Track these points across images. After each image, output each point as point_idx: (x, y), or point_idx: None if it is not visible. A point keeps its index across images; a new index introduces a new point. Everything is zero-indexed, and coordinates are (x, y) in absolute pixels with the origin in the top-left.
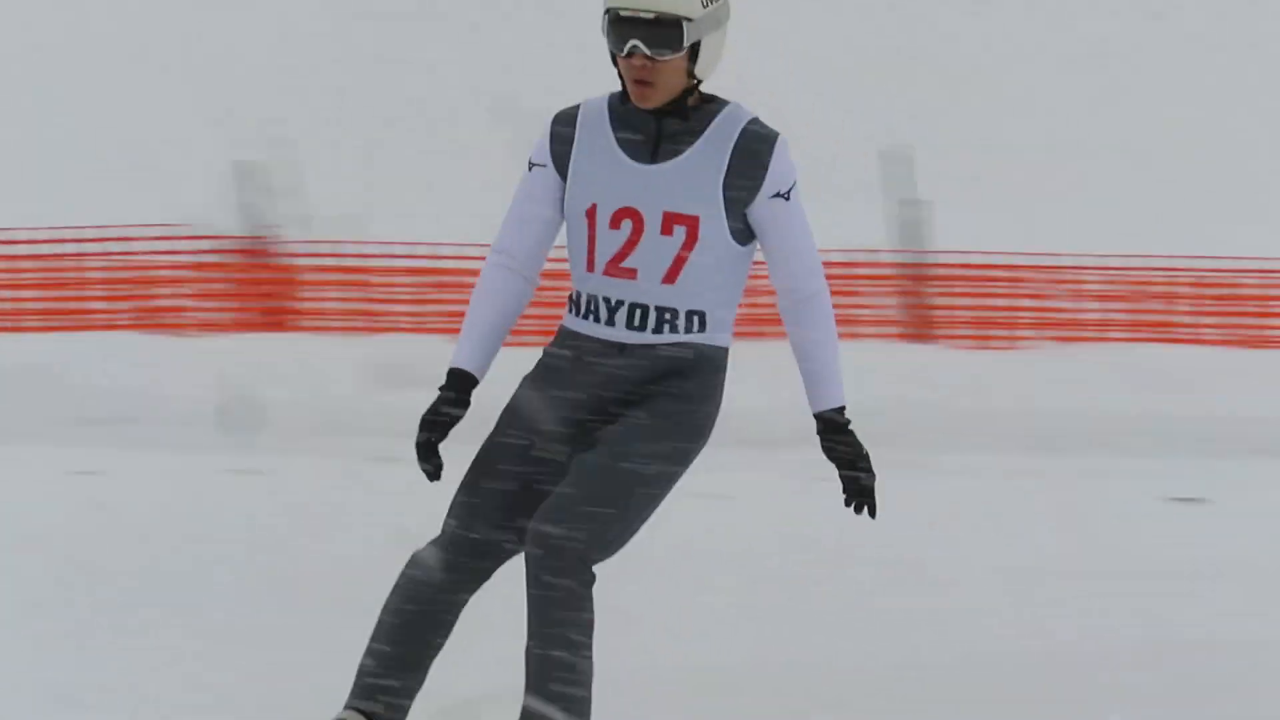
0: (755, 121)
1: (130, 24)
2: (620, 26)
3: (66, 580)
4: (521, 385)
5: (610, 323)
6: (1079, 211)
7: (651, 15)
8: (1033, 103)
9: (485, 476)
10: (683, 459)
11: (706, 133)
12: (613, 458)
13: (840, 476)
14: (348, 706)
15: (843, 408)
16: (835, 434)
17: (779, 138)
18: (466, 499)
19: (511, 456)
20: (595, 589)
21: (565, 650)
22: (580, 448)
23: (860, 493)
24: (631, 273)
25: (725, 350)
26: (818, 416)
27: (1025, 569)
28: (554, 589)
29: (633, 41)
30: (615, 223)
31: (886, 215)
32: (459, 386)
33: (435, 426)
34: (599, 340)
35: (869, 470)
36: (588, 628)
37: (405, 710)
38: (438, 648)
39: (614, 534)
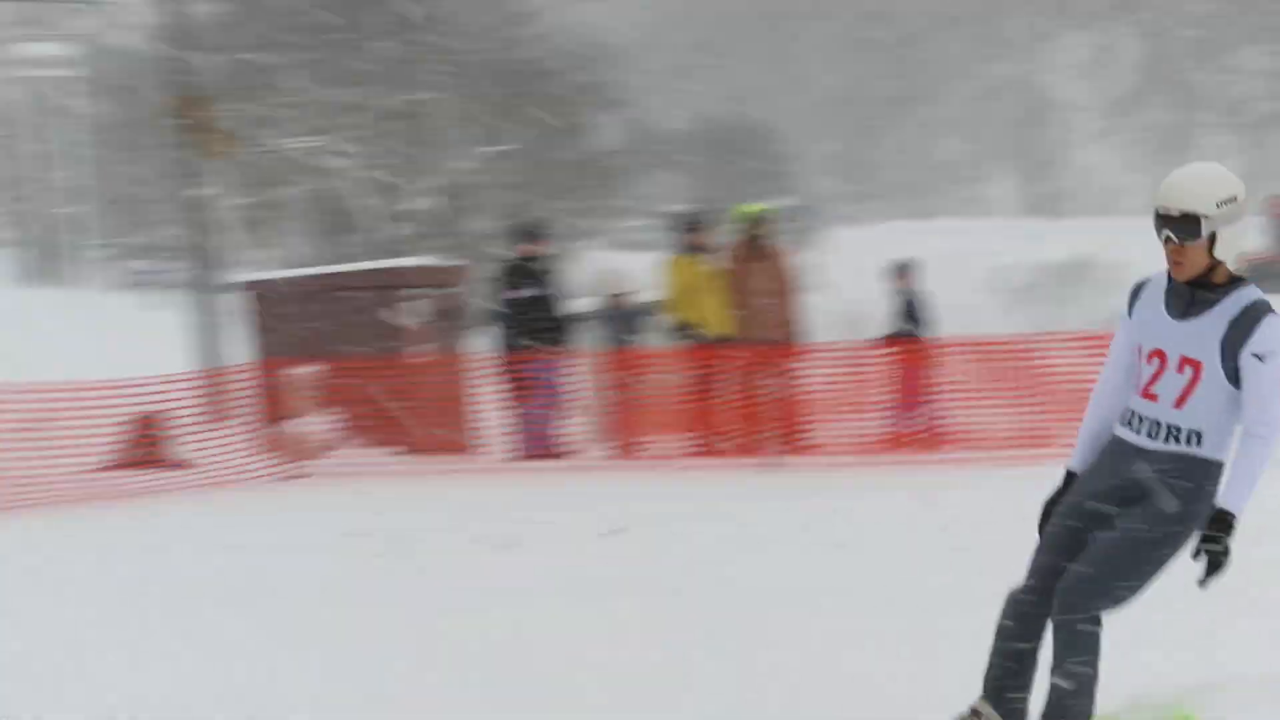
0: (1259, 299)
1: None
2: (1159, 220)
3: None
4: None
5: (1137, 431)
6: None
7: (1178, 213)
8: None
9: (1045, 535)
10: (1175, 540)
11: (1223, 303)
12: (1118, 540)
13: (1204, 550)
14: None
15: (1228, 512)
16: (1216, 523)
17: (1270, 314)
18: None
19: (1063, 512)
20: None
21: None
22: (1100, 520)
23: (1210, 568)
24: (1155, 397)
25: (1215, 463)
26: (1216, 512)
27: None
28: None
29: (1166, 231)
30: (1149, 359)
31: None
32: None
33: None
34: (1128, 443)
35: (1223, 553)
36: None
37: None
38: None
39: (1116, 601)
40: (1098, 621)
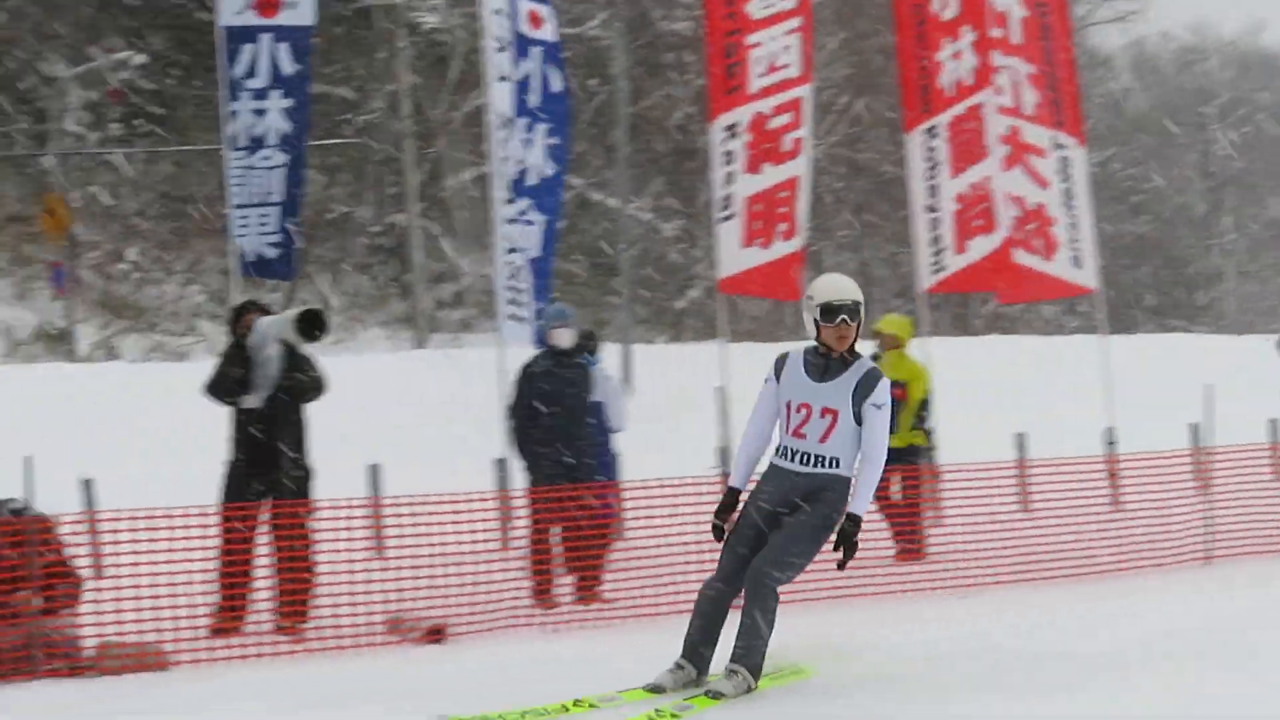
0: (874, 367)
1: None
2: (834, 308)
3: None
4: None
5: (792, 461)
6: None
7: (851, 302)
8: None
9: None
10: (827, 530)
11: (850, 369)
12: (790, 530)
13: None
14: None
15: (856, 516)
16: (851, 523)
17: (883, 378)
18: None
19: (745, 526)
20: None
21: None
22: (774, 521)
23: (846, 553)
24: (804, 436)
25: (846, 478)
26: (848, 515)
27: None
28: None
29: (842, 316)
30: (798, 410)
31: None
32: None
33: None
34: (787, 470)
35: (854, 544)
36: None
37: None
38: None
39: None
40: (778, 584)
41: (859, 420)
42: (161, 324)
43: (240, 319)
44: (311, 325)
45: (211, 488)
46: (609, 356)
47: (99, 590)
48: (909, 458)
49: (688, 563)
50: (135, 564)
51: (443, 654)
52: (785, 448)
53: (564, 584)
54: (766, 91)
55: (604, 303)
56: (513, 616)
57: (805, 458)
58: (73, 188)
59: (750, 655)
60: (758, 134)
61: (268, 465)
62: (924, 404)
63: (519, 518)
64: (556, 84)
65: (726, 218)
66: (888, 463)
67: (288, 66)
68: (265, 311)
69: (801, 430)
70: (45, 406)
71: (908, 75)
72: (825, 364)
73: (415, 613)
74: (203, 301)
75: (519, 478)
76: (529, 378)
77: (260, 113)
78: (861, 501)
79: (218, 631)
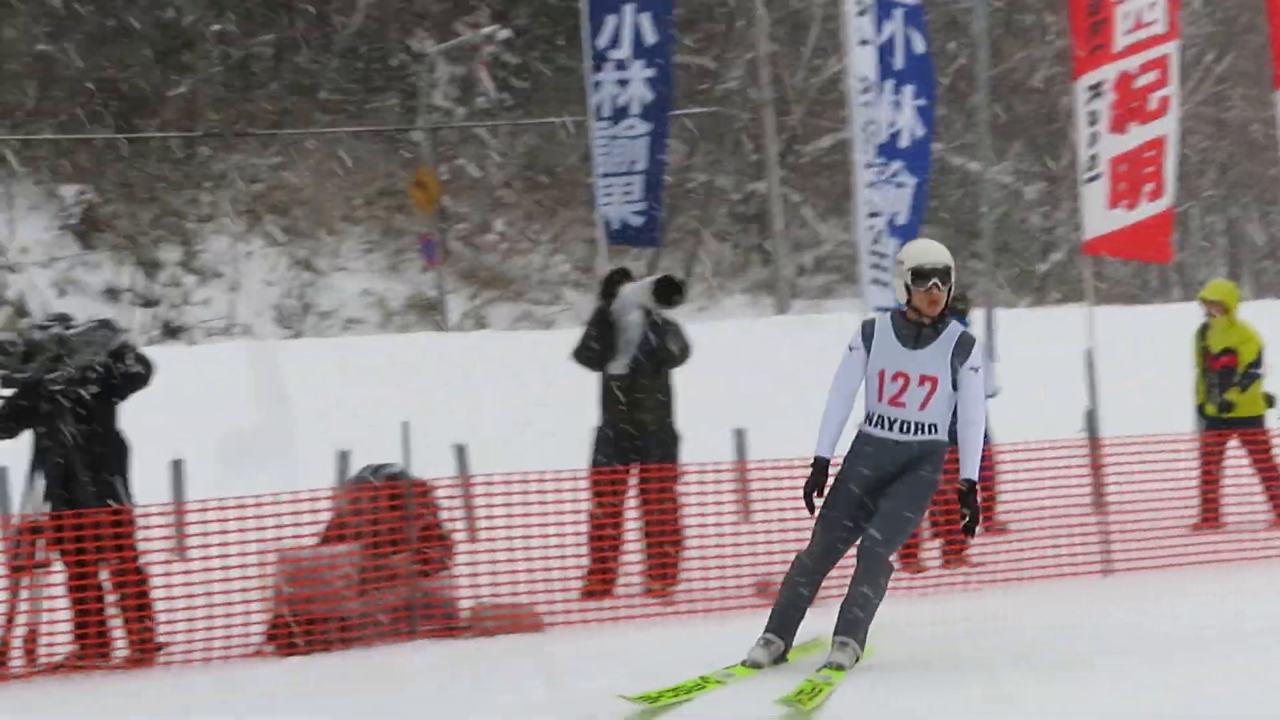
0: (966, 330)
1: None
2: (926, 273)
3: None
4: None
5: (889, 430)
6: None
7: (942, 266)
8: None
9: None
10: (930, 493)
11: (943, 335)
12: (895, 499)
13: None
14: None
15: (971, 480)
16: (968, 489)
17: (975, 340)
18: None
19: (844, 498)
20: None
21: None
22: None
23: (971, 518)
24: (903, 405)
25: (945, 443)
26: (964, 480)
27: None
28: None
29: (934, 280)
30: (894, 379)
31: None
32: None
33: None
34: (884, 439)
35: (976, 508)
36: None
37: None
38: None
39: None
40: (890, 554)
41: (955, 385)
42: (529, 293)
43: (611, 286)
44: (669, 292)
45: (581, 453)
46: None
47: (474, 553)
48: (1254, 423)
49: (1056, 528)
50: (509, 527)
51: (810, 616)
52: (881, 417)
53: (931, 548)
54: (1132, 49)
55: (966, 268)
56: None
57: (905, 426)
58: (441, 161)
59: (859, 627)
60: (1123, 93)
61: (635, 431)
62: (1255, 366)
63: None
64: (919, 46)
65: (1091, 179)
66: (1232, 427)
67: (650, 36)
68: (632, 279)
69: (900, 399)
70: (418, 375)
71: (1277, 30)
72: (918, 331)
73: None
74: (568, 270)
75: None
76: None
77: (624, 83)
78: (971, 466)
79: (589, 594)
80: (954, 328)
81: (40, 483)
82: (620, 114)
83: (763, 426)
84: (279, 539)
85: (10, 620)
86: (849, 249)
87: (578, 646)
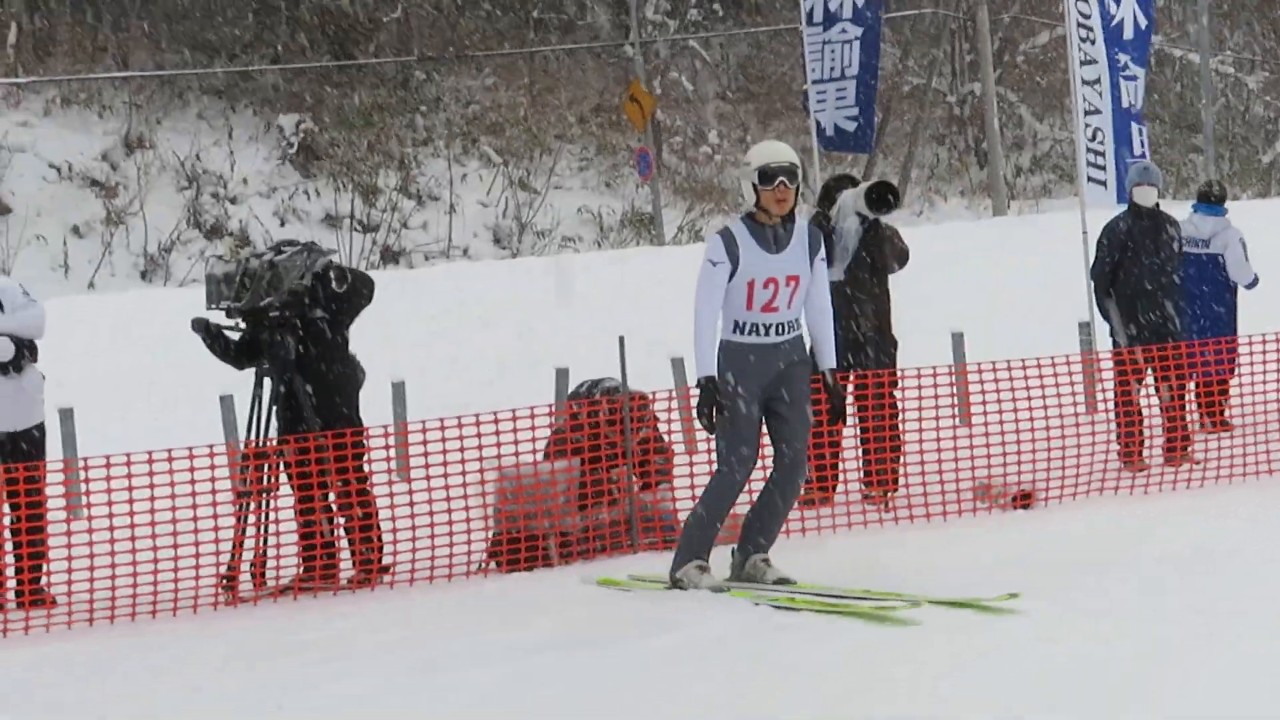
0: (810, 223)
1: None
2: (774, 170)
3: None
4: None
5: (767, 335)
6: None
7: (789, 164)
8: None
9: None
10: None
11: (797, 231)
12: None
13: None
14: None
15: (833, 368)
16: (833, 378)
17: (820, 231)
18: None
19: (746, 417)
20: None
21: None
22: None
23: (838, 406)
24: (776, 309)
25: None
26: (829, 370)
27: None
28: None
29: (781, 179)
30: (765, 285)
31: None
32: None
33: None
34: (765, 345)
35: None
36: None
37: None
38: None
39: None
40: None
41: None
42: (744, 205)
43: (830, 193)
44: (883, 197)
45: None
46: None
47: (692, 465)
48: None
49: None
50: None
51: (1031, 520)
52: (756, 324)
53: (1154, 446)
54: None
55: (1187, 161)
56: (1100, 480)
57: (780, 328)
58: (654, 75)
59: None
60: None
61: (851, 336)
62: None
63: (1105, 380)
64: None
65: None
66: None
67: None
68: (854, 185)
69: (774, 304)
70: (634, 289)
71: None
72: (775, 233)
73: (1003, 479)
74: None
75: (1104, 340)
76: (1109, 236)
77: None
78: (830, 354)
79: (808, 503)
80: (802, 223)
81: (265, 408)
82: (832, 19)
83: (981, 329)
84: (499, 457)
85: (238, 545)
86: (1067, 147)
87: (796, 554)
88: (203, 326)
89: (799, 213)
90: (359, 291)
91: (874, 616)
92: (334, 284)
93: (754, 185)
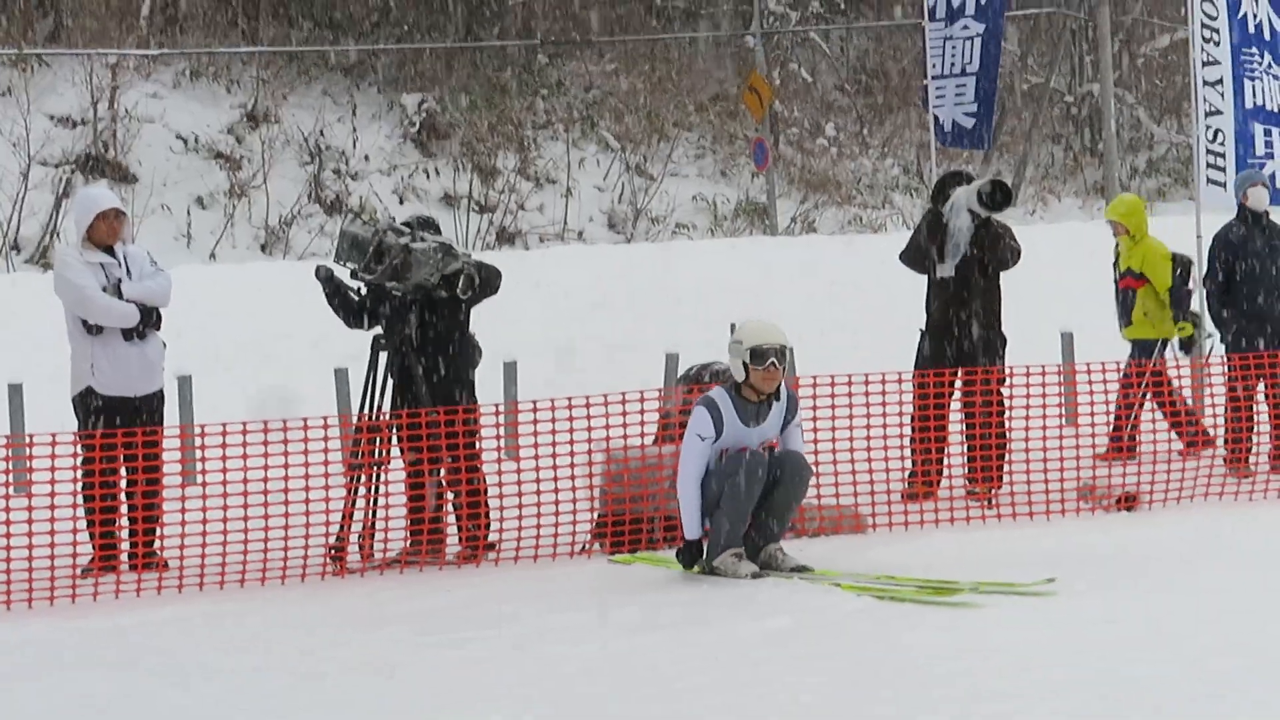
0: (791, 392)
1: None
2: (764, 351)
3: None
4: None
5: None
6: None
7: (780, 346)
8: None
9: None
10: None
11: (775, 406)
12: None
13: None
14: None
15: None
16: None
17: (796, 398)
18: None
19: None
20: None
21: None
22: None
23: None
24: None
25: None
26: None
27: None
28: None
29: (771, 359)
30: (739, 451)
31: None
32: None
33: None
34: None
35: None
36: None
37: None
38: None
39: None
40: None
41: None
42: (858, 197)
43: (944, 188)
44: (995, 195)
45: (907, 355)
46: None
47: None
48: (1181, 350)
49: None
50: (833, 428)
51: (1134, 521)
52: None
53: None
54: None
55: None
56: (1205, 484)
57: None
58: (773, 66)
59: None
60: None
61: (960, 333)
62: (1175, 290)
63: (1217, 383)
64: None
65: None
66: (1149, 356)
67: None
68: (968, 182)
69: (743, 449)
70: (748, 278)
71: None
72: (757, 410)
73: (1108, 480)
74: (897, 174)
75: (1217, 345)
76: (1223, 244)
77: None
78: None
79: (911, 497)
80: (782, 399)
81: (380, 382)
82: (955, 15)
83: (1091, 329)
84: (607, 439)
85: (348, 517)
86: (1183, 151)
87: (900, 546)
88: (326, 277)
89: (783, 388)
90: (489, 285)
91: (962, 604)
92: (460, 291)
93: (744, 363)
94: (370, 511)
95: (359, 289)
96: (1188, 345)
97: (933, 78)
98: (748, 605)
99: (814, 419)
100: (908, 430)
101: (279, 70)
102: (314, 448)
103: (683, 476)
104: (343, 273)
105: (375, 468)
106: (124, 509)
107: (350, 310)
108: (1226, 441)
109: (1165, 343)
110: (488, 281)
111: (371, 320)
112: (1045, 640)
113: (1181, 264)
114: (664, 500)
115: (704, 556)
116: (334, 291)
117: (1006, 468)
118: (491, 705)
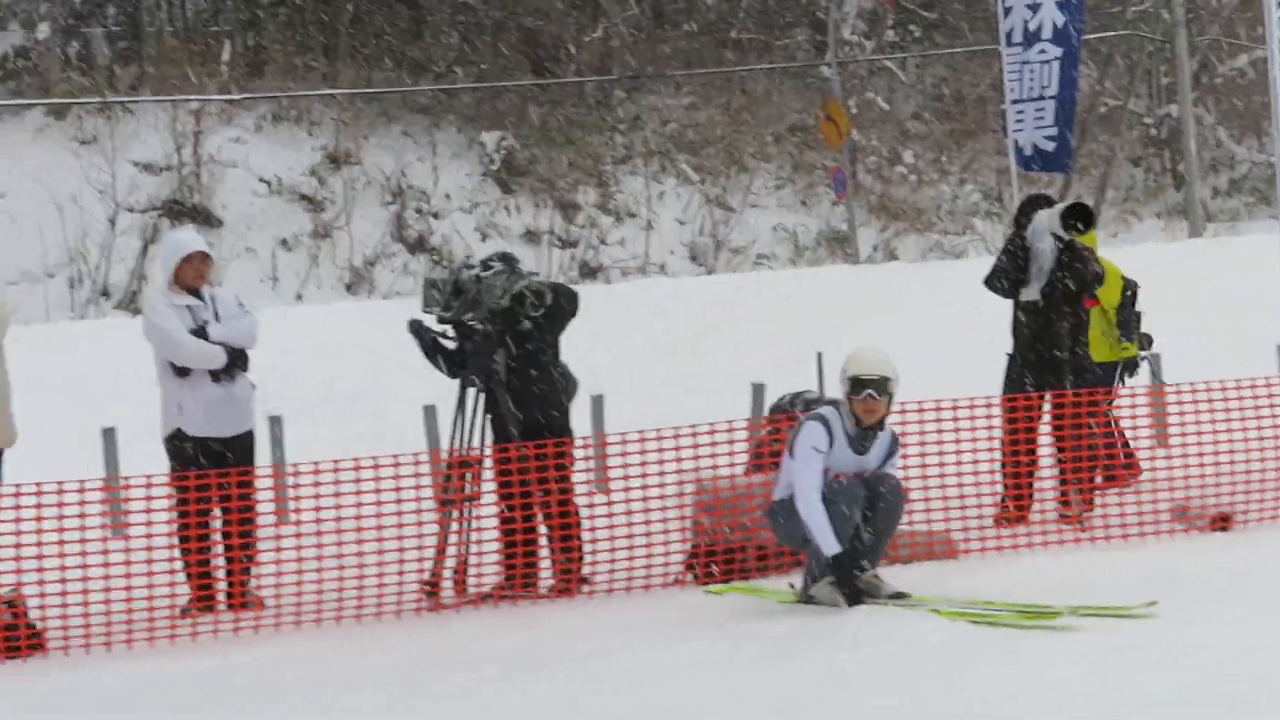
0: (894, 434)
1: None
2: (861, 382)
3: None
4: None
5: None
6: None
7: (879, 376)
8: None
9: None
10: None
11: (879, 440)
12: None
13: None
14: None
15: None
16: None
17: (898, 441)
18: None
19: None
20: None
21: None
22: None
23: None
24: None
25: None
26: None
27: None
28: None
29: (868, 391)
30: (837, 478)
31: None
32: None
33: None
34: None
35: None
36: None
37: None
38: None
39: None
40: None
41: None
42: (938, 224)
43: (1027, 212)
44: (1075, 218)
45: (994, 380)
46: None
47: None
48: (1123, 372)
49: None
50: (923, 454)
51: (1230, 542)
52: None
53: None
54: None
55: None
56: None
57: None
58: (850, 95)
59: None
60: None
61: (1047, 358)
62: (1123, 310)
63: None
64: None
65: None
66: (1099, 382)
67: None
68: (1050, 205)
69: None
70: (830, 307)
71: None
72: (862, 439)
73: (1202, 501)
74: (978, 200)
75: None
76: None
77: (1034, 7)
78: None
79: (1001, 522)
80: (886, 434)
81: (469, 417)
82: (1032, 39)
83: (1177, 351)
84: (697, 470)
85: (441, 552)
86: (1265, 170)
87: (989, 573)
88: (417, 329)
89: (887, 422)
90: (561, 308)
91: (1063, 628)
92: (529, 307)
93: (847, 393)
94: (463, 546)
95: (446, 333)
96: (1131, 366)
97: (1011, 102)
98: (843, 633)
99: (903, 445)
100: (997, 454)
101: (359, 111)
102: (405, 484)
103: (804, 492)
104: (430, 320)
105: (467, 503)
106: (219, 549)
107: (448, 357)
108: None
109: (1126, 364)
110: (561, 300)
111: (465, 362)
112: (1148, 663)
113: (1130, 286)
114: (756, 529)
115: (834, 574)
116: (429, 344)
117: (1098, 490)
118: None
